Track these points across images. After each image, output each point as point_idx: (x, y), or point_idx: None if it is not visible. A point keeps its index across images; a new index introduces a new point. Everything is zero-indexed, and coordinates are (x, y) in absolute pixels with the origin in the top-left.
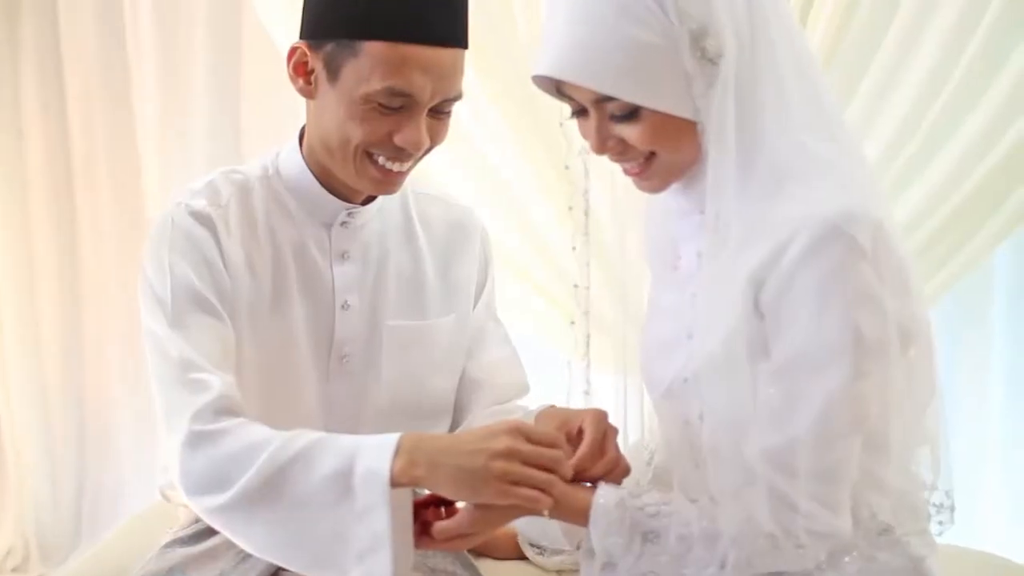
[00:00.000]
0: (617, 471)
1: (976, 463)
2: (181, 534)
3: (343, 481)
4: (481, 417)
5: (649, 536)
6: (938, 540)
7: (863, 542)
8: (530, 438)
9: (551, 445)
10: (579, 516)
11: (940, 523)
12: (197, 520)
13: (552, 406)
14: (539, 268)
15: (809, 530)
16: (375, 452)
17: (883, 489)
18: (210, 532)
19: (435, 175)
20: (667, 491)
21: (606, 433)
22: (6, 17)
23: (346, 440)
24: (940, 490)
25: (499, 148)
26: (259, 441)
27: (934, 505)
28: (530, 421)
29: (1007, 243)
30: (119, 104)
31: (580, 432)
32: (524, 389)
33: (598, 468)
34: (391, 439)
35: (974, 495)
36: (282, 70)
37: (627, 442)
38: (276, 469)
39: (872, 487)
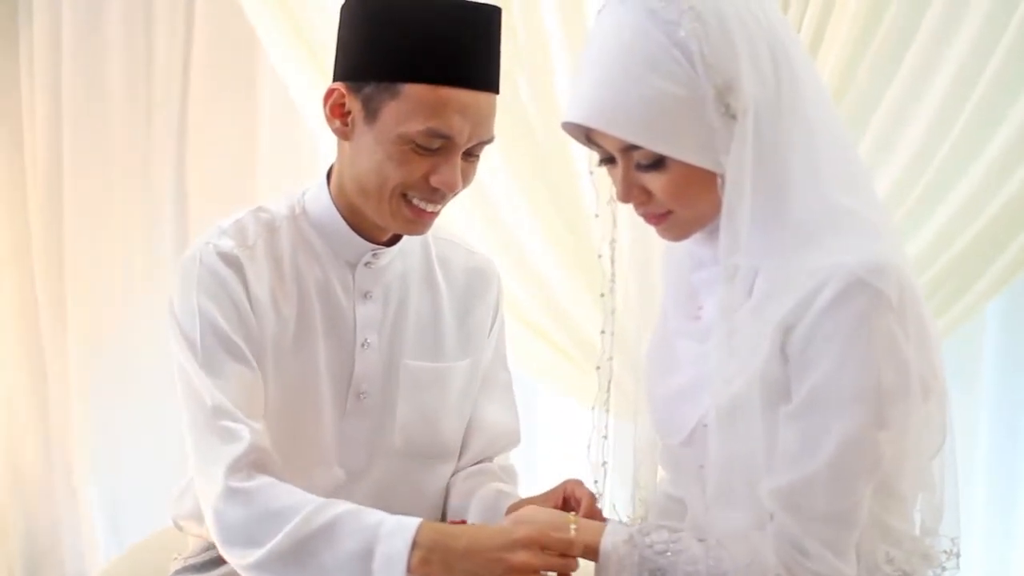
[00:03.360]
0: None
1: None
2: (192, 561)
3: (363, 564)
4: (463, 478)
5: (656, 574)
6: None
7: None
8: (545, 546)
9: (564, 551)
10: (589, 552)
11: (944, 570)
12: (207, 548)
13: (521, 499)
14: (557, 316)
15: (815, 573)
16: (394, 541)
17: (895, 538)
18: (219, 560)
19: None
20: (675, 530)
21: (589, 493)
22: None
23: (369, 519)
24: (946, 537)
25: (511, 200)
26: (287, 508)
27: (943, 552)
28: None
29: (998, 301)
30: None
31: (566, 500)
32: (515, 441)
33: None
34: (410, 528)
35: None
36: (295, 111)
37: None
38: (300, 540)
39: (884, 536)
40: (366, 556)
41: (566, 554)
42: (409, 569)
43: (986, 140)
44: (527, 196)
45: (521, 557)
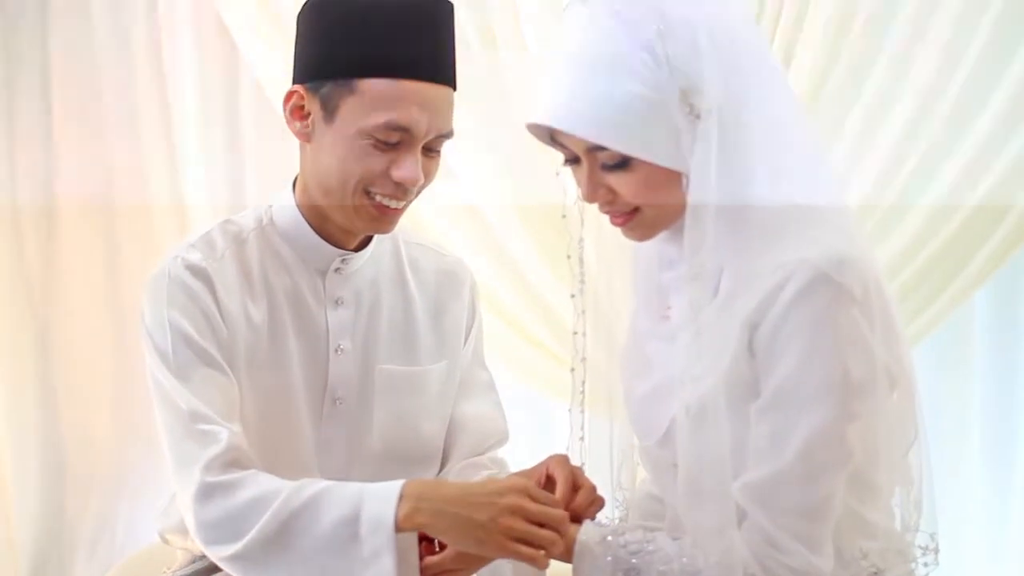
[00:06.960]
0: (598, 500)
1: (956, 505)
2: (180, 573)
3: (350, 528)
4: (456, 472)
5: (630, 573)
6: None
7: None
8: (536, 499)
9: (555, 506)
10: (564, 553)
11: (925, 565)
12: (194, 560)
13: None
14: (535, 317)
15: (790, 568)
16: (380, 499)
17: (871, 532)
18: (207, 572)
19: (427, 225)
20: (651, 530)
21: (572, 471)
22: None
23: (351, 487)
24: (924, 532)
25: (491, 198)
26: (269, 492)
27: (919, 547)
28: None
29: (987, 287)
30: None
31: (549, 478)
32: (504, 439)
33: (581, 499)
34: (395, 486)
35: (954, 536)
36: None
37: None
38: (285, 519)
39: (860, 530)
40: (352, 520)
41: (555, 506)
42: (398, 526)
43: (968, 127)
44: (509, 193)
45: (512, 499)
